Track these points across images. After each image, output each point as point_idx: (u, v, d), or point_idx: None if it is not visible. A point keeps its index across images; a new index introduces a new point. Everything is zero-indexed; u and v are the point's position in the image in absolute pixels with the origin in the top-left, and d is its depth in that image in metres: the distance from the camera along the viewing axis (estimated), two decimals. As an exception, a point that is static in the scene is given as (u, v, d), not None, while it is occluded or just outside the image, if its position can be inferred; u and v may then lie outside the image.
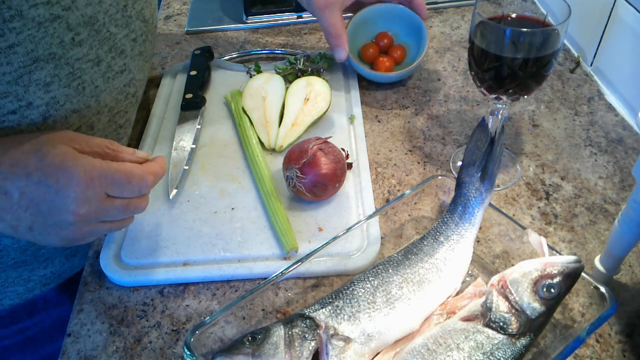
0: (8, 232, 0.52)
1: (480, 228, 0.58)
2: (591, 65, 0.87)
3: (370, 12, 0.85)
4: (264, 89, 0.80)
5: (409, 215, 0.66)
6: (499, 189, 0.69)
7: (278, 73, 0.85)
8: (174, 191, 0.68)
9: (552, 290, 0.48)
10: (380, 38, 0.87)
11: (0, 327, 0.76)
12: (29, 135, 0.52)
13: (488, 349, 0.47)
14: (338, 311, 0.50)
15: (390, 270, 0.54)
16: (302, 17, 1.04)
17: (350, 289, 0.52)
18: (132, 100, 0.70)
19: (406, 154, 0.75)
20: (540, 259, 0.51)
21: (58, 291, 0.76)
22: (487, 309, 0.49)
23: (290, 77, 0.84)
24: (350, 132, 0.77)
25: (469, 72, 0.68)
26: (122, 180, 0.52)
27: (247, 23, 1.04)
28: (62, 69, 0.56)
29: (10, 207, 0.50)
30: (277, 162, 0.72)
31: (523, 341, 0.48)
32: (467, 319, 0.50)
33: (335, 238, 0.56)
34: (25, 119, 0.56)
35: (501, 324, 0.48)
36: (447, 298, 0.54)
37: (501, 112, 0.67)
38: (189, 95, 0.81)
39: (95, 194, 0.50)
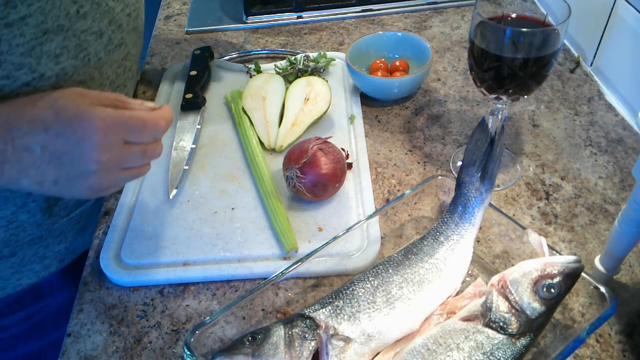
0: (34, 188, 0.53)
1: (480, 228, 0.58)
2: (591, 65, 0.87)
3: (381, 37, 0.87)
4: (264, 89, 0.80)
5: (409, 215, 0.66)
6: (499, 189, 0.69)
7: (278, 73, 0.85)
8: (174, 191, 0.68)
9: (552, 290, 0.48)
10: (394, 67, 0.86)
11: (8, 314, 0.76)
12: (42, 94, 0.54)
13: (488, 349, 0.47)
14: (338, 311, 0.50)
15: (390, 270, 0.54)
16: (302, 17, 1.04)
17: (350, 289, 0.52)
18: (129, 75, 0.72)
19: (406, 154, 0.75)
20: (540, 259, 0.51)
21: (61, 275, 0.77)
22: (487, 309, 0.49)
23: (290, 77, 0.84)
24: (350, 132, 0.77)
25: (469, 72, 0.68)
26: (138, 125, 0.53)
27: (247, 23, 1.04)
28: (70, 40, 0.58)
29: (34, 162, 0.51)
30: (277, 162, 0.72)
31: (523, 341, 0.48)
32: (467, 319, 0.50)
33: (335, 238, 0.56)
34: (37, 92, 0.57)
35: (501, 324, 0.48)
36: (447, 298, 0.54)
37: (501, 112, 0.67)
38: (189, 95, 0.81)
39: (114, 140, 0.52)
